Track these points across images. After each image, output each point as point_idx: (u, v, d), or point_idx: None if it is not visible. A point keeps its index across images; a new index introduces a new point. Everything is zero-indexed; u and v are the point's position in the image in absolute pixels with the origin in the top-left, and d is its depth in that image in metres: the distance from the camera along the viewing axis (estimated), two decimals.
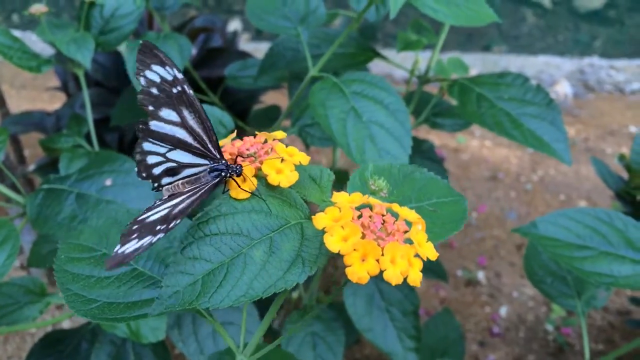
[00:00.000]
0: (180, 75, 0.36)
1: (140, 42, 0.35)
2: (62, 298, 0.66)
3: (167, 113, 0.36)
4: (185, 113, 0.36)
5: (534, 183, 1.63)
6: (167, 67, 0.35)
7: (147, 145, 0.37)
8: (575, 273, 0.59)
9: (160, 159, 0.37)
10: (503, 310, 1.23)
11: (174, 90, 0.36)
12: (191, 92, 0.36)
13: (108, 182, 0.64)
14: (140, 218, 0.33)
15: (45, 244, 0.77)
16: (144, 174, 0.37)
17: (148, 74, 0.35)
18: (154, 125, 0.36)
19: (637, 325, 1.03)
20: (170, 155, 0.37)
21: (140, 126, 0.36)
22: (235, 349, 0.36)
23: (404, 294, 0.81)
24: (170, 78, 0.36)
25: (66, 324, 1.13)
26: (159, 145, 0.37)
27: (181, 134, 0.36)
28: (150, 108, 0.36)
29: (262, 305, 0.61)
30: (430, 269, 1.03)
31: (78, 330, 0.70)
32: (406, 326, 0.79)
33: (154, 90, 0.36)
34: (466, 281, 1.31)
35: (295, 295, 0.88)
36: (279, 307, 0.99)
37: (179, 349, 0.66)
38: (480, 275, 1.32)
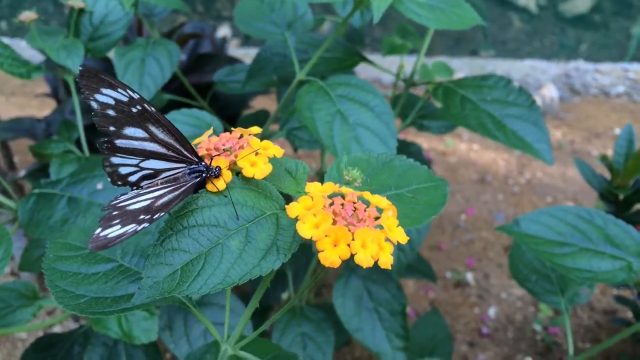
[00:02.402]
0: (136, 96, 0.35)
1: (80, 67, 0.34)
2: (54, 301, 0.67)
3: (132, 131, 0.36)
4: (153, 129, 0.36)
5: (521, 185, 1.65)
6: (119, 90, 0.35)
7: (116, 159, 0.36)
8: (557, 270, 0.60)
9: (134, 168, 0.36)
10: (492, 311, 1.24)
11: (134, 110, 0.35)
12: (153, 109, 0.35)
13: (99, 186, 0.65)
14: (119, 204, 0.33)
15: (36, 248, 0.78)
16: (119, 183, 0.36)
17: (99, 97, 0.34)
18: (121, 142, 0.36)
19: (623, 323, 1.04)
20: (144, 164, 0.36)
21: (105, 145, 0.36)
22: (220, 339, 0.37)
23: (392, 294, 0.82)
24: (125, 99, 0.35)
25: (57, 329, 1.13)
26: (129, 158, 0.36)
27: (152, 147, 0.36)
28: (112, 128, 0.35)
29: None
30: (420, 270, 1.04)
31: (70, 334, 0.70)
32: (394, 326, 0.80)
33: (111, 112, 0.35)
34: (455, 282, 1.32)
35: (285, 296, 0.89)
36: (269, 308, 0.99)
37: (171, 350, 0.67)
38: (469, 276, 1.33)
